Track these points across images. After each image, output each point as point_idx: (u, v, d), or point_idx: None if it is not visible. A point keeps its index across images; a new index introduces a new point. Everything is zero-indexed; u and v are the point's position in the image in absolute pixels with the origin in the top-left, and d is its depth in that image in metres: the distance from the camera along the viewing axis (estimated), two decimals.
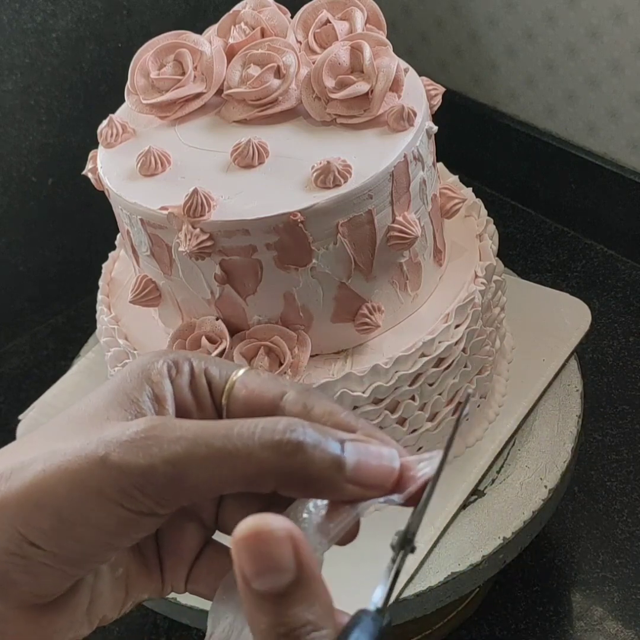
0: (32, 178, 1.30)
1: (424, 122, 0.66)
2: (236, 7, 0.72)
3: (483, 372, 0.77)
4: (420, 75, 0.70)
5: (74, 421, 0.30)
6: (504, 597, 0.97)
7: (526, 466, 0.79)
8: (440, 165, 0.77)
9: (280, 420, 0.28)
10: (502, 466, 0.80)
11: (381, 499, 0.29)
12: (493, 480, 0.78)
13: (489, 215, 0.78)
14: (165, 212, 0.61)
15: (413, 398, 0.69)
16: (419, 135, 0.65)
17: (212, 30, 0.72)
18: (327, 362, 0.68)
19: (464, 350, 0.71)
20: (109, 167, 0.67)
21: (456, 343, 0.69)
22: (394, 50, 0.66)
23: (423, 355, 0.68)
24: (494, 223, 0.78)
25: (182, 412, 0.31)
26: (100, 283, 0.78)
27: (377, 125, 0.65)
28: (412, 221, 0.65)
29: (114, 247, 0.82)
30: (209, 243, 0.60)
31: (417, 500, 0.29)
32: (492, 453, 0.79)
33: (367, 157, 0.62)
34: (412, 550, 0.28)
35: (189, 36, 0.69)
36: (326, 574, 0.26)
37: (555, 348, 0.87)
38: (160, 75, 0.67)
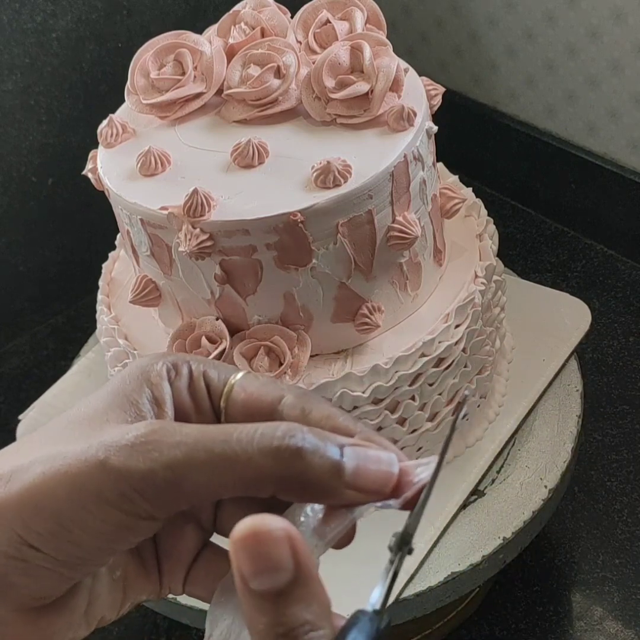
0: (32, 178, 1.30)
1: (424, 122, 0.66)
2: (236, 7, 0.72)
3: (483, 372, 0.77)
4: (420, 75, 0.70)
5: (74, 423, 0.30)
6: (504, 597, 0.97)
7: (526, 466, 0.79)
8: (440, 165, 0.77)
9: (279, 425, 0.28)
10: (502, 466, 0.80)
11: (378, 504, 0.29)
12: (493, 480, 0.78)
13: (489, 215, 0.78)
14: (165, 212, 0.61)
15: (413, 398, 0.69)
16: (419, 135, 0.65)
17: (212, 30, 0.72)
18: (327, 362, 0.68)
19: (464, 350, 0.71)
20: (109, 167, 0.67)
21: (456, 343, 0.69)
22: (394, 50, 0.66)
23: (423, 355, 0.68)
24: (494, 223, 0.78)
25: (180, 414, 0.31)
26: (100, 283, 0.78)
27: (377, 125, 0.65)
28: (412, 221, 0.65)
29: (114, 247, 0.82)
30: (209, 243, 0.60)
31: (414, 504, 0.29)
32: (492, 453, 0.79)
33: (367, 157, 0.62)
34: (410, 551, 0.28)
35: (189, 36, 0.69)
36: (325, 574, 0.26)
37: (555, 348, 0.87)
38: (160, 75, 0.67)
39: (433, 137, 0.69)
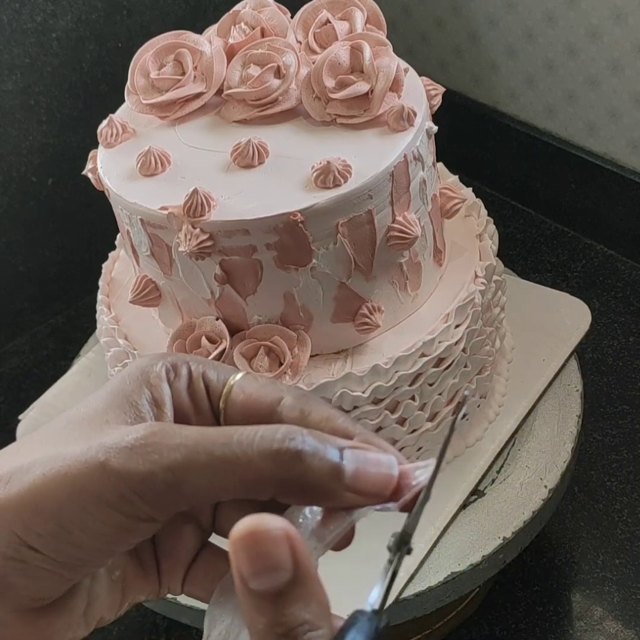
0: (32, 178, 1.30)
1: (424, 122, 0.66)
2: (236, 7, 0.72)
3: (483, 372, 0.77)
4: (420, 75, 0.70)
5: (74, 423, 0.30)
6: (504, 597, 0.97)
7: (526, 466, 0.79)
8: (440, 165, 0.77)
9: (279, 428, 0.28)
10: (502, 466, 0.80)
11: (377, 506, 0.29)
12: (493, 480, 0.78)
13: (489, 215, 0.78)
14: (165, 212, 0.61)
15: (413, 398, 0.69)
16: (419, 135, 0.65)
17: (212, 30, 0.72)
18: (327, 362, 0.68)
19: (464, 350, 0.71)
20: (109, 167, 0.67)
21: (456, 343, 0.69)
22: (394, 50, 0.66)
23: (423, 355, 0.68)
24: (494, 223, 0.77)
25: (180, 415, 0.31)
26: (100, 283, 0.78)
27: (377, 125, 0.65)
28: (412, 221, 0.65)
29: (114, 247, 0.82)
30: (209, 243, 0.60)
31: (413, 507, 0.29)
32: (492, 453, 0.79)
33: (367, 157, 0.62)
34: (409, 551, 0.28)
35: (189, 36, 0.69)
36: (324, 574, 0.26)
37: (555, 348, 0.87)
38: (160, 75, 0.67)
39: (433, 137, 0.69)
